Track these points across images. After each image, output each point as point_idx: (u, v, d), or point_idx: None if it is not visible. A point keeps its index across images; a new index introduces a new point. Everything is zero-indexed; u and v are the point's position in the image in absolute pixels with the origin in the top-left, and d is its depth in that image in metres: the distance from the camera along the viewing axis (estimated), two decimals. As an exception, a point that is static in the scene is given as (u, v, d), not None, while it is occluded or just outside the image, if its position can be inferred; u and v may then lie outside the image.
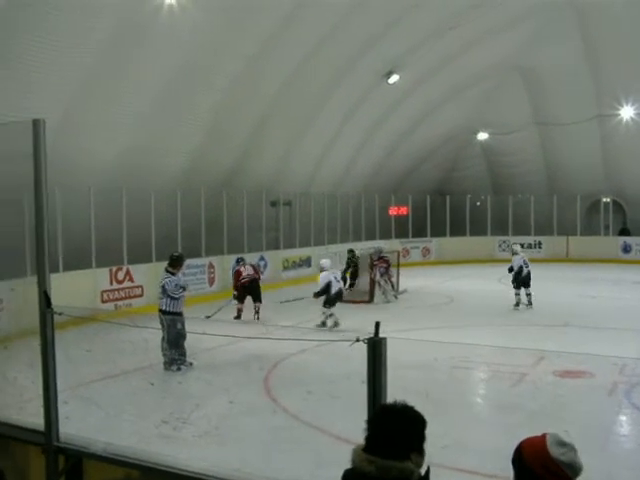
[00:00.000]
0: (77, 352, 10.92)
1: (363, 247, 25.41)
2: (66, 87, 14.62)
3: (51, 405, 4.79)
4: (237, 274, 16.97)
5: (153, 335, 11.13)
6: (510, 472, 2.92)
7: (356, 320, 15.20)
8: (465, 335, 14.24)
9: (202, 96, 18.30)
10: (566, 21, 25.19)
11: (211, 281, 20.76)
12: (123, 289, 17.66)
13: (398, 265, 21.70)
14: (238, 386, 10.42)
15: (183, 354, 11.43)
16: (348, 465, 2.86)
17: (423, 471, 2.81)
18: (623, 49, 25.40)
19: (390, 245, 26.88)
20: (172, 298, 11.42)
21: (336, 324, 15.55)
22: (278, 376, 11.10)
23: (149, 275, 18.00)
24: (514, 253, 19.10)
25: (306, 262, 24.59)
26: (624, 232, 31.82)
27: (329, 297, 15.90)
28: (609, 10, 23.95)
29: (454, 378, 11.14)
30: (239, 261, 18.35)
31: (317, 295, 15.97)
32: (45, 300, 4.81)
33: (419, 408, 2.89)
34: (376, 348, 3.39)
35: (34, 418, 5.10)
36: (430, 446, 2.84)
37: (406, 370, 10.63)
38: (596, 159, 30.70)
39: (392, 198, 31.63)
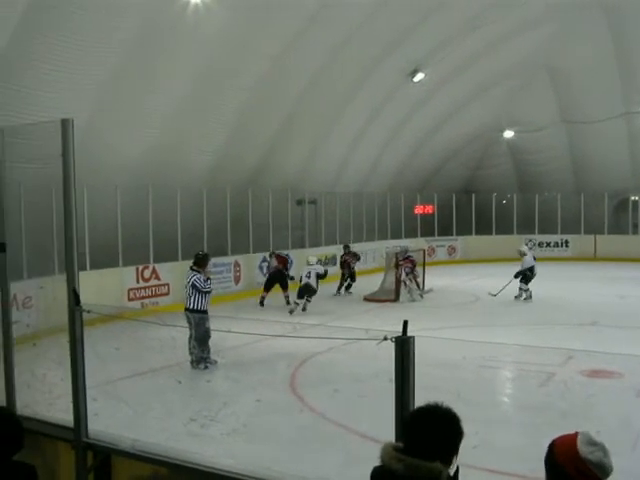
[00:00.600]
0: (105, 349, 10.98)
1: (389, 246, 25.41)
2: (92, 86, 14.71)
3: (80, 402, 4.82)
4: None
5: (180, 333, 11.19)
6: (540, 473, 2.90)
7: (382, 319, 15.18)
8: (492, 334, 14.19)
9: (227, 95, 18.34)
10: (593, 19, 24.96)
11: (237, 279, 20.82)
12: (149, 287, 17.76)
13: (424, 264, 21.67)
14: (265, 384, 10.46)
15: (208, 352, 11.50)
16: (377, 463, 2.85)
17: (452, 471, 2.80)
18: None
19: (416, 244, 26.80)
20: (200, 296, 11.55)
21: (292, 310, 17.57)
22: (305, 374, 11.11)
23: (175, 273, 18.09)
24: (523, 254, 19.55)
25: (332, 261, 24.54)
26: (652, 231, 31.51)
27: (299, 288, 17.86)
28: (636, 7, 23.71)
29: (482, 377, 11.09)
30: (271, 254, 20.02)
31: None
32: (74, 298, 4.84)
33: (451, 407, 2.88)
34: (404, 347, 3.37)
35: (63, 414, 5.13)
36: (461, 446, 2.82)
37: (433, 369, 10.62)
38: (624, 157, 30.40)
39: (418, 197, 31.54)
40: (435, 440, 2.77)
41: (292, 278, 19.29)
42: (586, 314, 16.61)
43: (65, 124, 4.64)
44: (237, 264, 20.81)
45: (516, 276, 19.29)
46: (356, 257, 21.70)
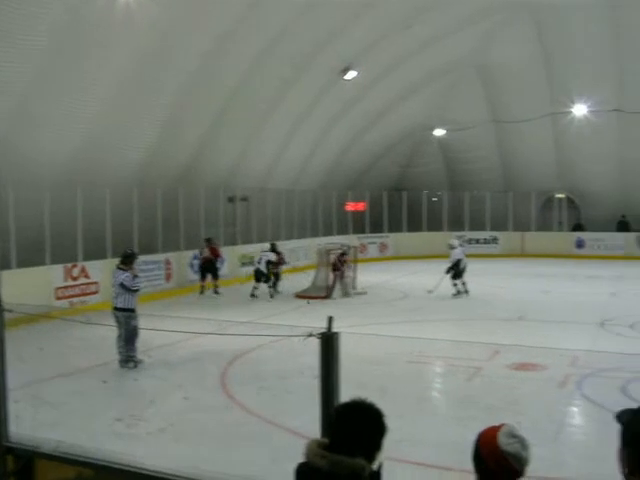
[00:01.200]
0: (29, 350, 10.77)
1: (320, 243, 25.45)
2: (18, 80, 14.37)
3: (0, 404, 4.70)
4: None
5: (108, 332, 11.03)
6: (464, 464, 2.95)
7: (313, 316, 15.21)
8: (421, 330, 14.40)
9: (158, 92, 18.12)
10: (521, 21, 25.50)
11: (168, 277, 20.61)
12: (78, 286, 17.43)
13: (356, 261, 21.79)
14: (193, 383, 10.38)
15: (135, 351, 11.35)
16: (303, 460, 2.86)
17: (375, 467, 2.82)
18: (576, 48, 25.79)
19: (347, 241, 26.92)
20: (129, 295, 11.39)
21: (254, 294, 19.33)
22: (233, 372, 11.07)
23: (105, 272, 17.77)
24: (452, 247, 19.81)
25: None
26: (578, 228, 32.30)
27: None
28: (563, 11, 24.30)
29: (410, 373, 11.22)
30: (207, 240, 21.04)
31: None
32: (-6, 297, 4.71)
33: (375, 403, 2.89)
34: (329, 343, 3.38)
35: (-17, 418, 5.00)
36: (385, 440, 2.84)
37: (361, 365, 10.72)
38: (550, 156, 31.12)
39: (349, 194, 31.70)
40: (358, 436, 2.78)
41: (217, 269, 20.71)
42: (513, 309, 16.95)
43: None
44: (168, 262, 20.60)
45: (447, 272, 19.46)
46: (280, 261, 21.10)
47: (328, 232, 29.26)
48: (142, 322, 11.50)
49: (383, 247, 31.63)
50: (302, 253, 26.22)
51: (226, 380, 10.54)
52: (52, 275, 16.71)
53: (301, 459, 2.86)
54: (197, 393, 9.78)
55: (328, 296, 19.46)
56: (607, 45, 25.38)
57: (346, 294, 19.80)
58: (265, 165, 25.51)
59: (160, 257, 20.36)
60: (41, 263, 16.53)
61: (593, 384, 10.15)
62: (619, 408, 2.50)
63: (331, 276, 20.08)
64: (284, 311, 17.10)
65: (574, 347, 12.29)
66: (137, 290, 11.61)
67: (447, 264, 19.79)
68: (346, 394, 3.12)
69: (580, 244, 31.30)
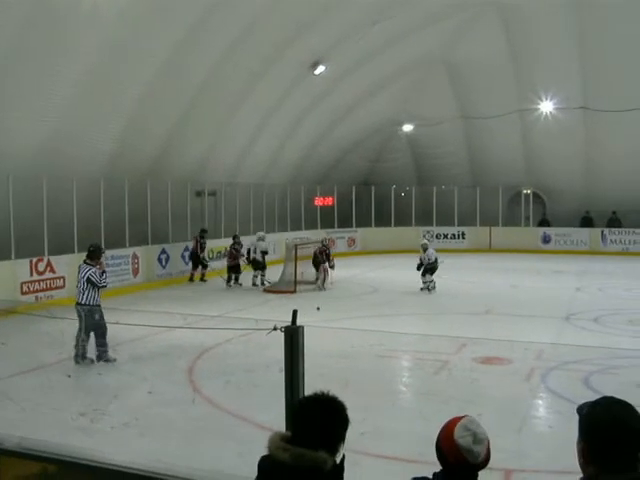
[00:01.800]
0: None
1: (288, 237, 25.47)
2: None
3: (-38, 399, 4.64)
4: None
5: (72, 327, 10.93)
6: (427, 457, 2.98)
7: (280, 310, 15.20)
8: (389, 324, 14.47)
9: (127, 83, 17.95)
10: (489, 19, 25.63)
11: (135, 272, 20.46)
12: (44, 280, 17.25)
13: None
14: (160, 377, 10.34)
15: (106, 346, 11.21)
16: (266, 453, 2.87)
17: (338, 459, 2.84)
18: (543, 45, 26.00)
19: (316, 235, 26.93)
20: (94, 290, 11.16)
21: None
22: (201, 366, 11.05)
23: (71, 266, 17.54)
24: (425, 249, 19.72)
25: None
26: (544, 223, 32.64)
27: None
28: (529, 9, 24.52)
29: (377, 366, 11.27)
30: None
31: None
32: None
33: (339, 396, 2.91)
34: (293, 336, 3.39)
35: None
36: (348, 433, 2.86)
37: (329, 359, 10.77)
38: (517, 152, 31.37)
39: (317, 189, 31.69)
40: (320, 429, 2.79)
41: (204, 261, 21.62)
42: (480, 303, 17.10)
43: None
44: (135, 256, 20.46)
45: (423, 272, 19.41)
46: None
47: (297, 227, 29.25)
48: (110, 316, 11.41)
49: (351, 242, 31.69)
50: (270, 248, 26.17)
51: (193, 374, 10.52)
52: (17, 269, 16.51)
53: (264, 454, 2.87)
54: (163, 387, 9.74)
55: (294, 291, 19.47)
56: (573, 43, 25.63)
57: (322, 289, 19.93)
58: (234, 159, 25.42)
59: (127, 251, 20.21)
60: (6, 257, 16.31)
61: (557, 377, 10.30)
62: (582, 400, 2.56)
63: (319, 271, 20.41)
64: (253, 305, 17.09)
65: (539, 341, 12.47)
66: (104, 286, 11.42)
67: (416, 260, 19.87)
68: (311, 388, 3.13)
69: (546, 239, 31.65)
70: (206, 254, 22.23)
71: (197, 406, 8.90)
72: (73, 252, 17.87)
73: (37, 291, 16.97)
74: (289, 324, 3.48)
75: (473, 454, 2.71)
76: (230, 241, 21.88)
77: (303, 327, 3.45)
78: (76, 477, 4.02)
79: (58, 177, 17.14)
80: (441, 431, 2.84)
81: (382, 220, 31.94)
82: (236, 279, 20.86)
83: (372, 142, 33.25)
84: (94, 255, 11.47)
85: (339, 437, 2.84)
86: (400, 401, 9.95)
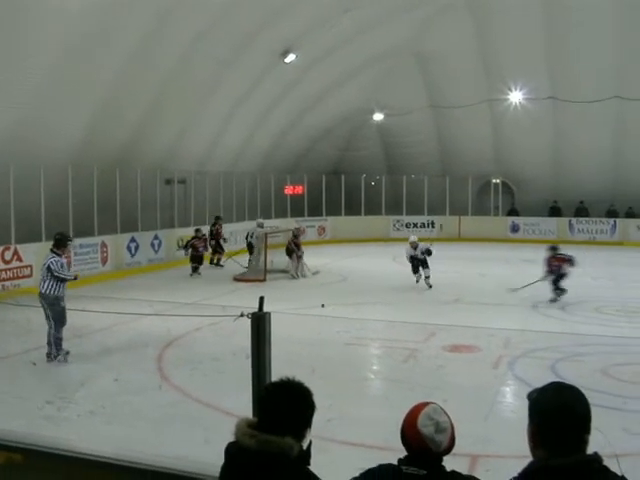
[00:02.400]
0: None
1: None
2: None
3: None
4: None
5: (38, 315, 10.82)
6: (392, 444, 3.00)
7: (250, 298, 15.19)
8: (359, 312, 14.51)
9: (96, 71, 17.73)
10: (458, 9, 25.73)
11: (104, 260, 20.31)
12: (11, 269, 17.06)
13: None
14: (128, 365, 10.30)
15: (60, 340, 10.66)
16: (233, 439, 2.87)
17: (305, 445, 2.84)
18: (512, 35, 26.12)
19: (286, 224, 26.91)
20: (54, 280, 10.67)
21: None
22: (169, 354, 11.02)
23: (39, 255, 17.34)
24: (416, 247, 18.16)
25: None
26: (513, 212, 32.90)
27: None
28: (497, 1, 24.70)
29: (344, 354, 11.31)
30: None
31: None
32: None
33: (305, 383, 2.92)
34: (260, 323, 3.39)
35: None
36: (315, 419, 2.87)
37: (297, 346, 10.80)
38: (487, 142, 31.56)
39: (288, 177, 31.64)
40: (285, 415, 2.80)
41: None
42: (449, 292, 17.20)
43: None
44: (104, 245, 20.30)
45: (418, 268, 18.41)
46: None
47: (267, 215, 29.14)
48: (77, 304, 11.28)
49: (321, 230, 31.70)
50: (240, 236, 26.11)
51: (161, 362, 10.49)
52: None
53: (231, 441, 2.87)
54: (131, 376, 9.70)
55: (264, 279, 19.47)
56: (541, 34, 25.81)
57: (301, 276, 20.00)
58: (203, 147, 25.28)
59: (96, 240, 20.05)
60: (-28, 246, 16.12)
61: (524, 364, 10.42)
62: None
63: (291, 260, 20.46)
64: (222, 294, 17.05)
65: (507, 328, 12.61)
66: (63, 279, 10.80)
67: (388, 249, 19.91)
68: (278, 374, 3.13)
69: (515, 228, 31.92)
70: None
71: (164, 394, 8.88)
72: (41, 240, 17.68)
73: (4, 280, 16.79)
74: (256, 311, 3.49)
75: (435, 443, 2.74)
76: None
77: (270, 314, 3.45)
78: (42, 466, 4.00)
79: (25, 164, 16.91)
80: (405, 418, 2.86)
81: (352, 209, 31.99)
82: (195, 269, 20.96)
83: (342, 131, 33.26)
84: (60, 244, 11.08)
85: (305, 423, 2.85)
86: (367, 388, 10.01)
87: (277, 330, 3.86)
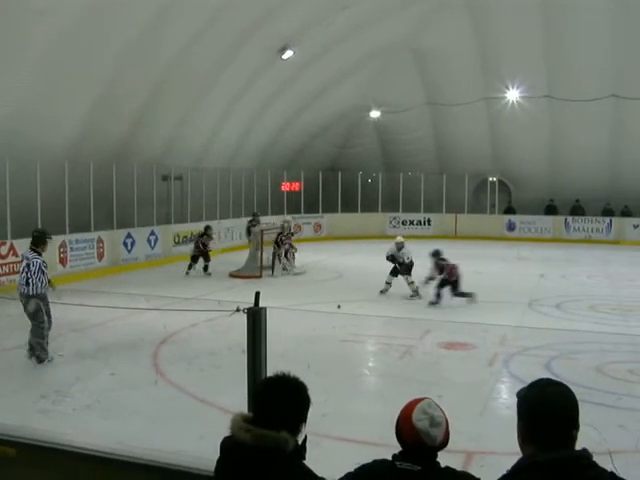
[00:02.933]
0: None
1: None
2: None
3: None
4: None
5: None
6: (387, 440, 3.01)
7: (246, 295, 15.18)
8: (355, 309, 14.50)
9: (93, 65, 17.69)
10: (455, 6, 25.72)
11: (100, 256, 20.29)
12: (7, 264, 17.04)
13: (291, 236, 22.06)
14: (124, 361, 10.29)
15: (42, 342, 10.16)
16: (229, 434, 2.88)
17: (300, 440, 2.85)
18: (510, 32, 26.10)
19: (282, 221, 26.88)
20: (35, 279, 10.14)
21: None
22: (165, 350, 11.02)
23: (34, 250, 17.48)
24: (402, 247, 16.81)
25: (194, 237, 24.38)
26: (509, 211, 32.93)
27: None
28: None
29: (339, 350, 11.32)
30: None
31: None
32: None
33: (301, 378, 2.93)
34: (256, 318, 3.40)
35: None
36: (310, 415, 2.88)
37: (292, 342, 10.81)
38: (484, 140, 31.56)
39: (284, 174, 31.63)
40: (281, 409, 2.80)
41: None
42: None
43: None
44: (100, 240, 20.28)
45: (397, 273, 17.02)
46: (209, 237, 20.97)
47: (263, 212, 29.12)
48: (74, 299, 11.27)
49: (318, 227, 31.70)
50: (237, 233, 26.12)
51: (157, 358, 10.49)
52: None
53: (226, 435, 2.88)
54: (127, 371, 9.71)
55: (260, 276, 19.48)
56: (538, 32, 25.80)
57: (288, 274, 19.95)
58: (200, 143, 25.26)
59: (92, 235, 20.03)
60: (-33, 240, 16.09)
61: (520, 362, 10.44)
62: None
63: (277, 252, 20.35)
64: (219, 290, 17.03)
65: (503, 325, 12.64)
66: (39, 280, 10.17)
67: (384, 246, 19.79)
68: (273, 370, 3.14)
69: (511, 227, 31.95)
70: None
71: (160, 389, 8.89)
72: (37, 235, 17.68)
73: (0, 275, 16.75)
74: (252, 306, 3.50)
75: (430, 437, 2.75)
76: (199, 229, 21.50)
77: (266, 309, 3.46)
78: (37, 460, 3.99)
79: (22, 159, 16.87)
80: (400, 413, 2.87)
81: (348, 206, 31.98)
82: (205, 268, 20.31)
83: (339, 128, 33.23)
84: (39, 241, 10.53)
85: (300, 417, 2.86)
86: (362, 384, 10.02)
87: (272, 326, 3.86)
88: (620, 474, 2.46)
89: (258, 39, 21.85)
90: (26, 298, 10.16)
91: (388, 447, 2.98)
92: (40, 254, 10.43)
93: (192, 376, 9.51)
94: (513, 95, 28.85)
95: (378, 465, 2.84)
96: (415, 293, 16.31)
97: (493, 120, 30.56)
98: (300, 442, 2.84)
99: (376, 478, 2.80)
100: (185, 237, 23.64)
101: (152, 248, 22.42)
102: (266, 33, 21.76)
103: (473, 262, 22.80)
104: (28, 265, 10.20)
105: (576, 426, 2.48)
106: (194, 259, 20.35)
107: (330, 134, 33.13)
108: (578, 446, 2.48)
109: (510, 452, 6.59)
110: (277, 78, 25.04)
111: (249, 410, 3.21)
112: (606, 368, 9.91)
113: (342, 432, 7.26)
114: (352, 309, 14.44)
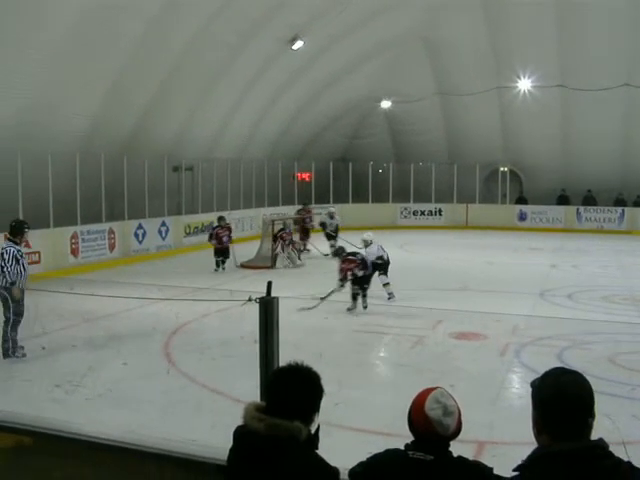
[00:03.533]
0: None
1: (266, 213, 25.47)
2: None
3: None
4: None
5: (47, 300, 10.87)
6: (399, 429, 3.00)
7: (257, 285, 15.18)
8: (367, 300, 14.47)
9: (103, 57, 17.72)
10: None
11: (111, 247, 20.36)
12: (18, 255, 17.09)
13: (302, 231, 22.03)
14: (135, 350, 10.34)
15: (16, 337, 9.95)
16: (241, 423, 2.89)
17: (313, 429, 2.86)
18: (521, 22, 25.98)
19: (293, 211, 26.89)
20: (9, 267, 9.86)
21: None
22: (177, 340, 11.05)
23: (46, 240, 17.63)
24: (368, 244, 15.04)
25: (208, 228, 24.35)
26: (520, 201, 32.81)
27: None
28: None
29: (351, 340, 11.34)
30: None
31: None
32: None
33: (313, 368, 2.92)
34: (268, 307, 3.40)
35: None
36: (322, 404, 2.89)
37: (303, 332, 10.82)
38: (495, 129, 31.46)
39: (295, 164, 31.61)
40: (294, 399, 2.81)
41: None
42: (456, 280, 17.17)
43: None
44: (111, 231, 20.34)
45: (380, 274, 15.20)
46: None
47: (274, 202, 29.18)
48: (86, 289, 11.31)
49: (328, 218, 31.63)
50: (248, 223, 26.14)
51: (169, 348, 10.53)
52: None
53: (239, 424, 2.88)
54: (139, 361, 9.76)
55: (272, 266, 19.51)
56: (551, 21, 25.65)
57: (292, 266, 19.91)
58: (211, 134, 25.28)
59: (104, 226, 20.10)
60: (-21, 231, 16.14)
61: (531, 352, 10.42)
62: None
63: (273, 247, 20.22)
64: (230, 281, 17.07)
65: (515, 314, 12.59)
66: (10, 271, 9.87)
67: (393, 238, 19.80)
68: (285, 360, 3.14)
69: (522, 217, 31.83)
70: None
71: (172, 378, 8.92)
72: (49, 227, 17.80)
73: (12, 265, 16.80)
74: (264, 295, 3.50)
75: (443, 426, 2.74)
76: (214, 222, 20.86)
77: (278, 298, 3.46)
78: (51, 448, 4.02)
79: (33, 151, 16.92)
80: (413, 403, 2.87)
81: (359, 196, 31.93)
82: (222, 262, 19.23)
83: (350, 118, 33.18)
84: (17, 231, 10.31)
85: (314, 407, 2.86)
86: (374, 374, 10.05)
87: (284, 316, 3.87)
88: (634, 464, 2.45)
89: (268, 29, 21.83)
90: (5, 289, 9.85)
91: (400, 437, 2.98)
92: (17, 244, 10.18)
93: (204, 366, 9.54)
94: (525, 84, 28.72)
95: (391, 454, 2.84)
96: (391, 295, 14.77)
97: (504, 110, 30.46)
98: (313, 432, 2.84)
99: (389, 467, 2.80)
100: (196, 228, 23.67)
101: (163, 239, 22.47)
102: (276, 23, 21.73)
103: (484, 252, 22.83)
104: (1, 254, 9.96)
105: (592, 414, 2.46)
106: (219, 253, 19.24)
107: (341, 124, 33.08)
108: (593, 436, 2.46)
109: (522, 442, 6.59)
110: (288, 69, 25.02)
111: (261, 400, 3.22)
112: (619, 359, 9.86)
113: (354, 422, 7.27)
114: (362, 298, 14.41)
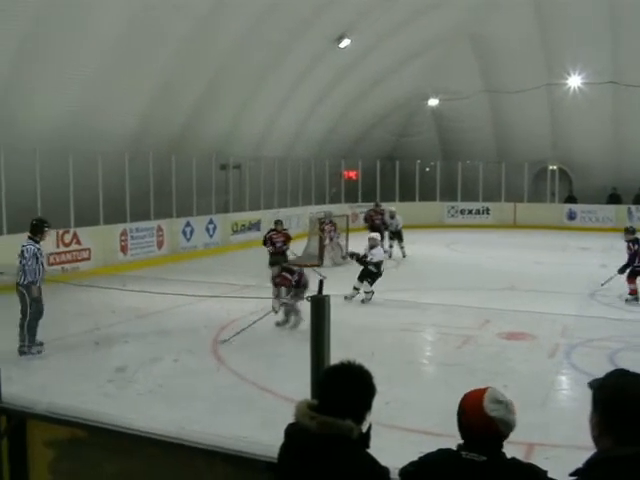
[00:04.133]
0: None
1: (312, 211, 25.49)
2: (9, 43, 14.23)
3: (-8, 365, 4.71)
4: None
5: (99, 296, 11.04)
6: (450, 429, 2.99)
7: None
8: (413, 299, 14.42)
9: (152, 57, 17.94)
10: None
11: (159, 244, 20.60)
12: (70, 252, 17.42)
13: (347, 230, 21.87)
14: (185, 347, 10.43)
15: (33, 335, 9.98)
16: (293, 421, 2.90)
17: (365, 428, 2.85)
18: (572, 18, 25.61)
19: (340, 209, 26.90)
20: (29, 266, 9.93)
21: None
22: (227, 337, 11.10)
23: (97, 238, 17.93)
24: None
25: (255, 226, 24.52)
26: (570, 199, 32.34)
27: None
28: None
29: (401, 339, 11.29)
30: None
31: None
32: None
33: (364, 365, 2.92)
34: (319, 306, 3.40)
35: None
36: (374, 403, 2.89)
37: (353, 331, 10.80)
38: (544, 127, 31.06)
39: (342, 163, 31.60)
40: (346, 397, 2.82)
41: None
42: (504, 279, 17.00)
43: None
44: (160, 229, 20.58)
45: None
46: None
47: (321, 201, 29.23)
48: (135, 286, 11.45)
49: (375, 216, 31.57)
50: (294, 221, 26.20)
51: (218, 345, 10.60)
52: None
53: (290, 422, 2.90)
54: (188, 357, 9.84)
55: (320, 264, 19.52)
56: (604, 17, 25.26)
57: (335, 264, 19.91)
58: (258, 133, 25.40)
59: (152, 224, 20.34)
60: (33, 229, 16.43)
61: (582, 353, 10.26)
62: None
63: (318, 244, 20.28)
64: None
65: (565, 314, 12.43)
66: (27, 270, 9.91)
67: (441, 235, 19.70)
68: (336, 359, 3.15)
69: (572, 216, 31.38)
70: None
71: (222, 376, 9.00)
72: (99, 224, 18.09)
73: (64, 262, 17.13)
74: (316, 294, 3.50)
75: (509, 425, 2.72)
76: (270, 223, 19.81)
77: (329, 297, 3.45)
78: (103, 442, 4.08)
79: (84, 151, 17.21)
80: (466, 403, 2.82)
81: (406, 195, 31.78)
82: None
83: (397, 116, 33.07)
84: (36, 230, 10.37)
85: (366, 406, 2.86)
86: (424, 373, 10.01)
87: (333, 315, 3.87)
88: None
89: (316, 28, 21.88)
90: (21, 287, 9.91)
91: (452, 437, 2.96)
92: (37, 242, 10.27)
93: (253, 364, 9.59)
94: (575, 81, 28.29)
95: (443, 454, 2.82)
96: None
97: (554, 107, 30.06)
98: (365, 430, 2.84)
99: (441, 468, 2.78)
100: (243, 226, 23.81)
101: (210, 236, 22.66)
102: (323, 22, 21.74)
103: (533, 252, 22.56)
104: (22, 252, 10.04)
105: None
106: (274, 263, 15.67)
107: (388, 122, 32.97)
108: None
109: (573, 445, 6.52)
110: (335, 67, 25.02)
111: (312, 398, 3.22)
112: (675, 362, 9.67)
113: (405, 420, 7.26)
114: (410, 298, 14.37)
